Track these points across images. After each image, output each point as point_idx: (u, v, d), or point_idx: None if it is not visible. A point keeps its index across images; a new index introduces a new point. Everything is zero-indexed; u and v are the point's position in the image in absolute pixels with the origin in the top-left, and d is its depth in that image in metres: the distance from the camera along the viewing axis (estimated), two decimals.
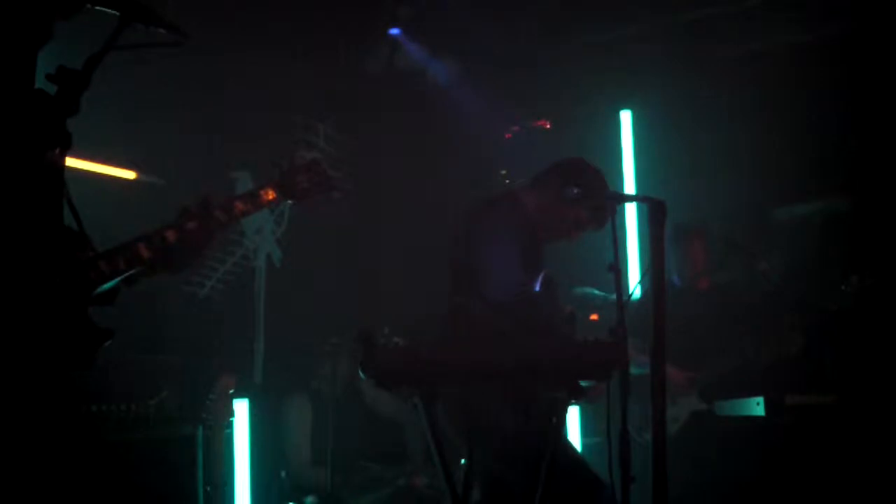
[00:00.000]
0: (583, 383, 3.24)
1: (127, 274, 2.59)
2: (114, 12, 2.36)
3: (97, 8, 2.37)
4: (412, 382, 3.22)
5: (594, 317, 6.09)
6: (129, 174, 6.12)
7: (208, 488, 4.77)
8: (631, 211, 6.87)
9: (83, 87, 2.27)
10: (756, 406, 4.71)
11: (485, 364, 3.18)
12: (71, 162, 5.50)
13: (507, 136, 7.83)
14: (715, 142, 6.61)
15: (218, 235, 2.86)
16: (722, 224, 6.14)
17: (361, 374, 3.16)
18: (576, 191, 3.87)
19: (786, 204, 6.55)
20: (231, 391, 4.95)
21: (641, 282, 4.24)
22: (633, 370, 4.22)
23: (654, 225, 3.52)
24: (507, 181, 7.88)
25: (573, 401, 3.26)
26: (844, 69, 6.17)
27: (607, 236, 3.74)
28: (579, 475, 3.77)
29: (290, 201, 3.03)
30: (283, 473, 5.81)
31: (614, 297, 3.64)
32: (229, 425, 5.00)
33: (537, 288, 3.89)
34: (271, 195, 2.91)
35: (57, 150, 2.48)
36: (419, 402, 3.21)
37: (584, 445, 5.81)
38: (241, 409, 5.39)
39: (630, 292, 3.85)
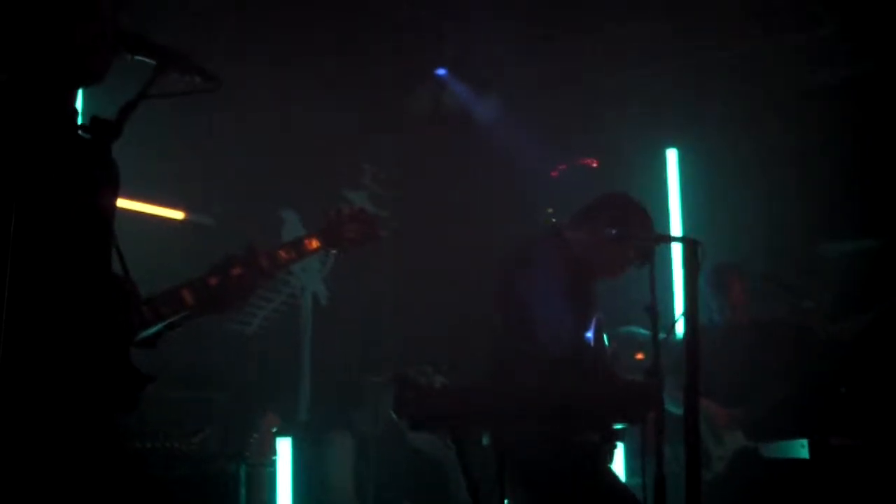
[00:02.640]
0: (617, 426, 3.23)
1: (170, 320, 2.63)
2: (151, 61, 2.41)
3: (136, 57, 2.41)
4: (445, 425, 3.21)
5: (640, 356, 6.06)
6: (178, 214, 6.21)
7: None
8: (677, 250, 6.83)
9: (116, 136, 2.31)
10: (801, 448, 4.65)
11: (518, 407, 3.17)
12: (119, 202, 5.61)
13: (553, 174, 7.83)
14: (761, 179, 6.57)
15: (262, 283, 2.88)
16: (767, 261, 6.09)
17: (394, 416, 3.17)
18: (614, 231, 3.86)
19: (834, 241, 6.47)
20: (274, 429, 4.98)
21: (681, 321, 4.22)
22: (674, 409, 4.19)
23: (690, 264, 3.50)
24: (553, 220, 7.86)
25: (608, 444, 3.24)
26: (892, 105, 6.11)
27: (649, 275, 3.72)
28: None
29: (334, 251, 3.03)
30: None
31: (660, 336, 3.61)
32: (272, 464, 5.04)
33: (590, 333, 3.85)
34: (315, 244, 2.93)
35: (105, 196, 2.53)
36: (452, 444, 3.21)
37: None
38: (285, 447, 5.42)
39: (669, 332, 3.82)
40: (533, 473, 3.61)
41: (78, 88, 2.52)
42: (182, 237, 6.08)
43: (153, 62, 2.41)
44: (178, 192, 6.20)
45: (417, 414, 3.15)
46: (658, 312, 3.54)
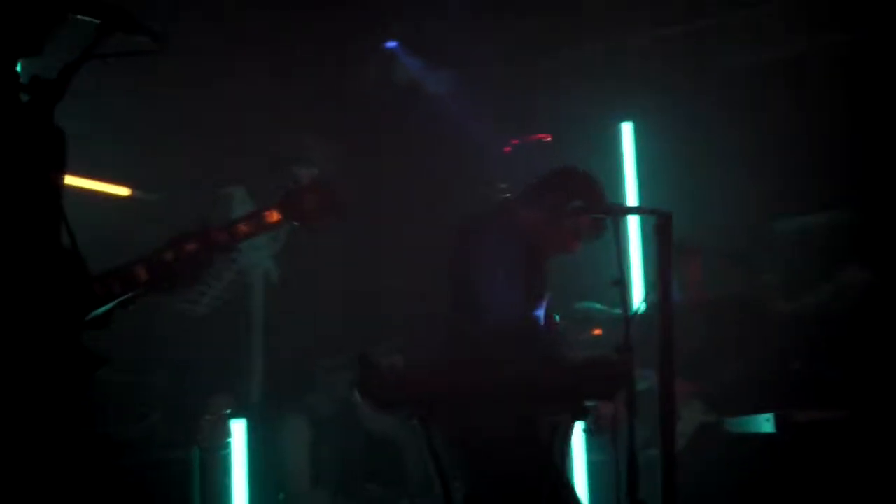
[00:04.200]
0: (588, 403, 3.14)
1: (123, 298, 2.49)
2: (94, 20, 2.26)
3: (77, 17, 2.27)
4: (410, 406, 3.10)
5: (597, 331, 6.02)
6: (123, 190, 6.03)
7: None
8: (633, 224, 6.77)
9: (58, 97, 2.17)
10: (766, 423, 4.60)
11: (486, 386, 3.07)
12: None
13: (506, 149, 7.75)
14: (717, 153, 6.52)
15: (218, 257, 2.74)
16: (723, 236, 6.06)
17: (358, 397, 3.06)
18: (579, 203, 3.76)
19: (788, 215, 6.45)
20: (227, 411, 4.85)
21: (648, 295, 4.14)
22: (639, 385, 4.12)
23: (662, 237, 3.41)
24: (507, 195, 7.79)
25: (577, 422, 3.15)
26: (846, 79, 6.09)
27: (609, 250, 3.64)
28: None
29: (295, 223, 2.89)
30: (281, 496, 5.69)
31: (617, 311, 3.53)
32: (226, 447, 4.90)
33: (540, 312, 3.76)
34: (275, 216, 2.77)
35: (53, 169, 2.39)
36: (418, 425, 3.10)
37: (588, 464, 5.69)
38: (239, 429, 5.27)
39: (636, 306, 3.71)
40: (490, 455, 3.49)
41: (18, 58, 2.38)
42: (128, 214, 5.91)
43: (96, 21, 2.26)
44: (124, 169, 6.02)
45: (383, 396, 3.04)
46: (627, 286, 3.44)
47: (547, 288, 3.93)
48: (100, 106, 5.52)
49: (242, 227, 2.67)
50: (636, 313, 3.59)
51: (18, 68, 2.37)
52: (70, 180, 5.44)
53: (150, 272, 2.48)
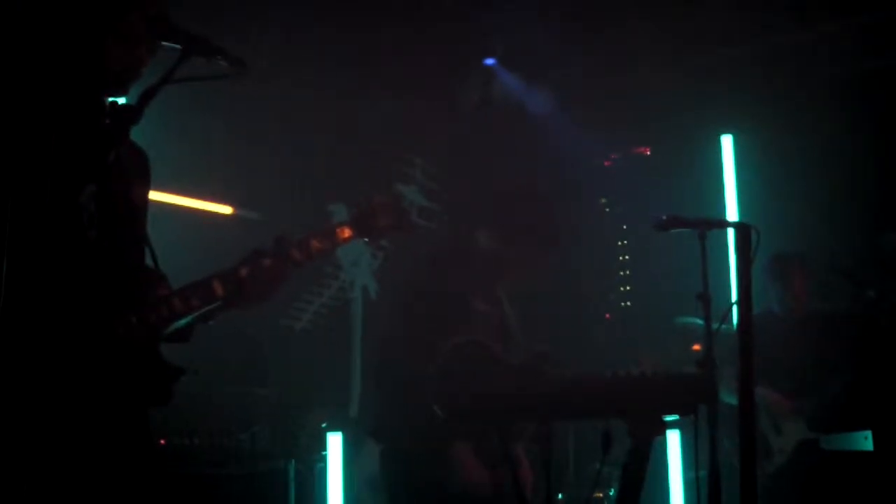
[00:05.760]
0: (668, 418, 3.12)
1: (201, 311, 2.57)
2: (176, 46, 2.36)
3: (162, 43, 2.37)
4: (483, 418, 3.12)
5: (696, 347, 5.95)
6: (226, 209, 6.19)
7: None
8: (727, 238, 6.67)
9: (134, 121, 2.26)
10: (864, 440, 4.50)
11: (561, 399, 3.07)
12: (168, 198, 5.62)
13: (606, 163, 7.73)
14: (820, 165, 6.39)
15: (292, 273, 2.80)
16: (827, 250, 5.94)
17: (436, 410, 3.08)
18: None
19: (894, 229, 6.28)
20: (323, 425, 4.93)
21: (735, 310, 4.08)
22: (734, 400, 4.07)
23: (743, 250, 3.38)
24: (607, 209, 7.78)
25: (656, 437, 3.12)
26: None
27: (717, 265, 3.61)
28: None
29: (366, 239, 2.94)
30: None
31: (716, 326, 3.50)
32: (321, 459, 4.97)
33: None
34: (347, 233, 2.82)
35: (135, 188, 2.49)
36: (494, 437, 3.13)
37: (685, 480, 5.63)
38: (335, 442, 5.35)
39: (723, 320, 3.66)
40: None
41: (107, 96, 2.48)
42: (231, 232, 6.07)
43: (178, 47, 2.36)
44: (227, 188, 6.19)
45: (456, 406, 3.06)
46: (710, 300, 3.41)
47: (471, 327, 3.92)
48: (203, 126, 5.72)
49: (315, 244, 2.71)
50: (725, 328, 3.56)
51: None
52: (175, 199, 5.65)
53: (226, 287, 2.55)
